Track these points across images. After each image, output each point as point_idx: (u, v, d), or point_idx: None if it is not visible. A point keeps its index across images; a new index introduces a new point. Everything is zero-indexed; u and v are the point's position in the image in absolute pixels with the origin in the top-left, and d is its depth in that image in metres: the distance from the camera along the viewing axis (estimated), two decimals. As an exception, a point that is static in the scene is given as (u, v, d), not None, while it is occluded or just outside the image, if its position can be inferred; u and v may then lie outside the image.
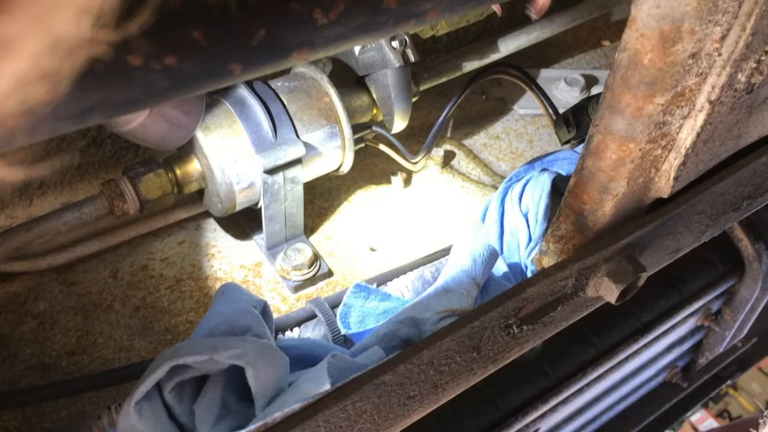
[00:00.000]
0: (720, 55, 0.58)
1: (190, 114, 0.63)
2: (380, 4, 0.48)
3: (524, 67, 1.05)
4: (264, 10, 0.43)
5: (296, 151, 0.84)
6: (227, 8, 0.42)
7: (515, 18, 1.25)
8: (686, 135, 0.64)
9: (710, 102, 0.61)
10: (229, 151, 0.83)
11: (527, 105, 1.24)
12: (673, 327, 1.33)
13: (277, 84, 0.89)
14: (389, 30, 0.50)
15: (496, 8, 0.97)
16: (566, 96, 1.24)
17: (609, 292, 0.70)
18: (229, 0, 0.42)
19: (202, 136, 0.82)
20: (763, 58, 0.61)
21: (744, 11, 0.55)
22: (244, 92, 0.85)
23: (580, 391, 1.15)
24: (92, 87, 0.39)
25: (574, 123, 0.87)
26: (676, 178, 0.68)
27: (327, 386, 0.56)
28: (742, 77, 0.62)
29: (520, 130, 1.21)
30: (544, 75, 1.29)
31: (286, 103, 0.87)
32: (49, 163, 0.78)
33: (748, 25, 0.56)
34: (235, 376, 0.57)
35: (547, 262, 0.74)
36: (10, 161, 0.17)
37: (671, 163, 0.67)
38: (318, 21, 0.46)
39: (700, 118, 0.63)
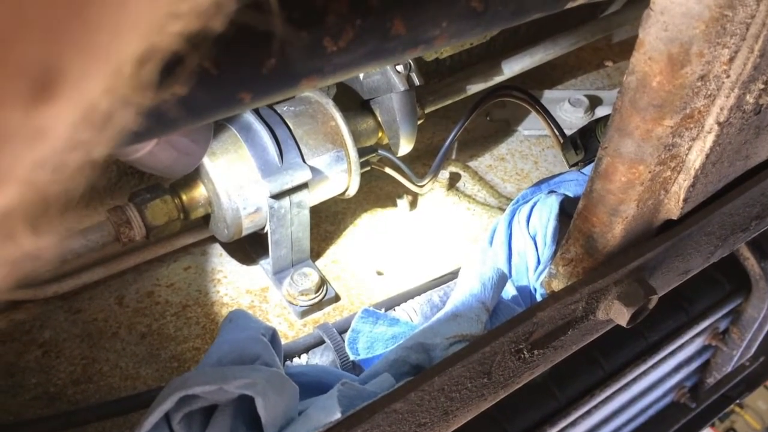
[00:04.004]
0: (728, 77, 0.58)
1: (198, 142, 0.63)
2: (389, 32, 0.48)
3: (528, 89, 1.05)
4: (273, 39, 0.43)
5: (302, 175, 0.84)
6: (237, 37, 0.42)
7: (518, 40, 1.26)
8: (695, 157, 0.64)
9: (719, 123, 0.61)
10: (235, 177, 0.83)
11: (531, 126, 1.24)
12: (681, 347, 1.32)
13: (282, 109, 0.89)
14: (398, 56, 0.50)
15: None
16: (570, 117, 1.24)
17: (620, 315, 0.70)
18: (239, 29, 0.42)
19: (208, 162, 0.82)
20: (770, 79, 0.61)
21: (752, 33, 0.55)
22: (250, 117, 0.85)
23: (589, 413, 1.13)
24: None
25: (582, 145, 0.87)
26: (685, 200, 0.67)
27: (337, 415, 0.55)
28: (750, 99, 0.62)
29: (525, 152, 1.21)
30: (548, 96, 1.29)
31: (292, 127, 0.87)
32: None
33: (755, 47, 0.56)
34: (245, 406, 0.57)
35: (557, 285, 0.73)
36: (44, 234, 0.16)
37: (681, 185, 0.66)
38: (327, 49, 0.45)
39: (709, 139, 0.62)
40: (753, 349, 1.47)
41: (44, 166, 0.15)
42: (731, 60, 0.56)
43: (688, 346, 1.35)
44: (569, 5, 0.58)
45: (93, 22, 0.13)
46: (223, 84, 0.43)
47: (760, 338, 1.44)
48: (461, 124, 1.01)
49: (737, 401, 1.70)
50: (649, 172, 0.62)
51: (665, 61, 0.54)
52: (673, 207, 0.69)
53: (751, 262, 1.31)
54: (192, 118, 0.45)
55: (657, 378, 1.33)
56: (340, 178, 0.91)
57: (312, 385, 0.66)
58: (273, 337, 0.65)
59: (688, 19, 0.51)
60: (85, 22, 0.13)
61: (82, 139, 0.15)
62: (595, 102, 1.27)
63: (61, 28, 0.12)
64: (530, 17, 0.55)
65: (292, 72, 0.45)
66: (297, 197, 0.86)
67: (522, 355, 0.67)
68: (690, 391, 1.52)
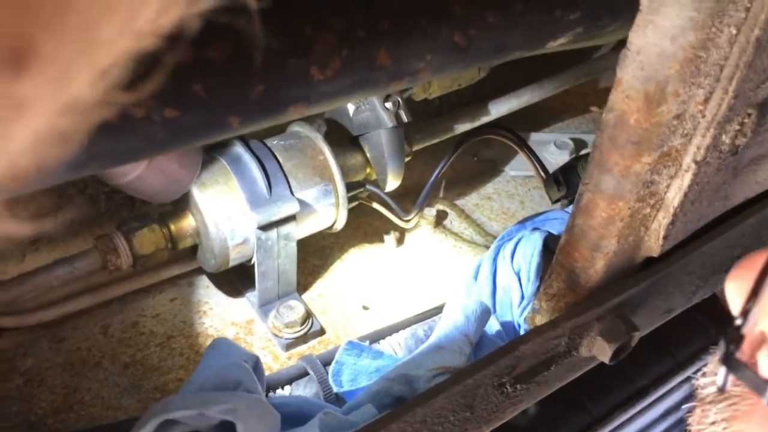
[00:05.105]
0: (704, 116, 0.59)
1: (186, 167, 0.64)
2: (374, 62, 0.49)
3: (515, 131, 1.07)
4: (263, 66, 0.45)
5: (290, 207, 0.85)
6: (227, 63, 0.43)
7: (506, 83, 1.29)
8: (674, 194, 0.65)
9: (696, 162, 0.63)
10: (223, 207, 0.83)
11: (518, 167, 1.26)
12: (669, 392, 1.32)
13: (272, 142, 0.91)
14: (383, 87, 0.52)
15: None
16: (556, 158, 1.26)
17: (602, 351, 0.70)
18: (229, 55, 0.43)
19: (197, 192, 0.83)
20: (745, 120, 0.63)
21: (725, 75, 0.57)
22: (240, 149, 0.86)
23: (576, 456, 1.12)
24: (95, 137, 0.39)
25: (564, 182, 0.89)
26: (665, 237, 0.69)
27: (318, 443, 0.55)
28: (726, 139, 0.63)
29: (511, 191, 1.23)
30: (534, 138, 1.32)
31: (281, 160, 0.88)
32: (54, 218, 0.78)
33: (730, 89, 0.58)
34: (225, 432, 0.57)
35: (540, 320, 0.74)
36: (19, 216, 0.17)
37: (660, 222, 0.68)
38: (315, 77, 0.47)
39: (687, 178, 0.64)
40: (740, 395, 1.46)
41: (21, 144, 0.16)
42: (706, 100, 0.58)
43: (676, 391, 1.34)
44: (550, 45, 0.60)
45: (67, 3, 0.14)
46: (213, 108, 0.44)
47: (747, 385, 1.43)
48: (446, 160, 1.02)
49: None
50: (629, 208, 0.63)
51: (642, 99, 0.56)
52: (654, 244, 0.70)
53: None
54: (181, 141, 0.46)
55: (645, 424, 1.32)
56: (328, 211, 0.92)
57: (294, 416, 0.66)
58: (256, 364, 0.65)
59: (663, 59, 0.53)
60: (59, 2, 0.14)
61: (57, 124, 0.16)
62: (580, 145, 1.30)
63: (36, 3, 0.13)
64: (512, 55, 0.57)
65: (280, 98, 0.47)
66: (284, 229, 0.87)
67: (505, 390, 0.67)
68: (678, 438, 1.51)
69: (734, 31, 0.54)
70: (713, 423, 0.43)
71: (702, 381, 0.47)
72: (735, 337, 0.41)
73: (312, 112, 0.52)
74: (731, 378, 0.41)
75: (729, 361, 0.41)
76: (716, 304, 1.30)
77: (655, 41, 0.53)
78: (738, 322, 0.41)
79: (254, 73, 0.45)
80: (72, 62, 0.15)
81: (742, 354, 0.41)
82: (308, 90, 0.48)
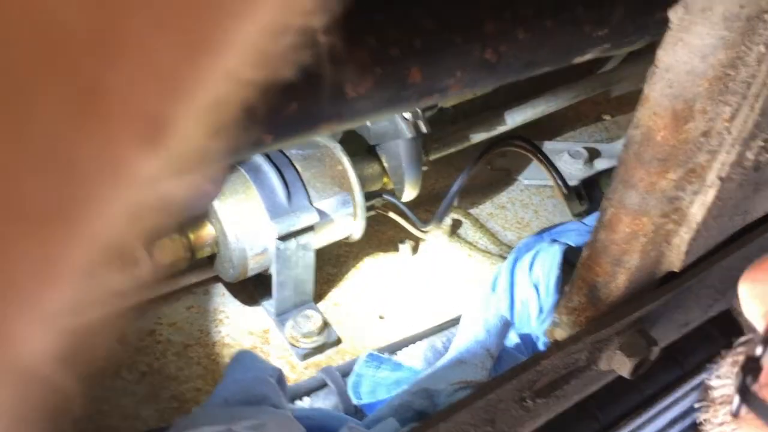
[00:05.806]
0: (730, 133, 0.59)
1: (213, 181, 0.65)
2: (406, 80, 0.49)
3: (533, 142, 1.07)
4: (297, 84, 0.45)
5: (310, 217, 0.85)
6: (261, 81, 0.43)
7: (519, 92, 1.29)
8: (697, 210, 0.65)
9: (720, 179, 0.63)
10: (243, 217, 0.84)
11: (532, 176, 1.26)
12: (676, 401, 1.32)
13: (291, 152, 0.91)
14: (414, 103, 0.52)
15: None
16: (570, 168, 1.26)
17: (622, 365, 0.70)
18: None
19: (217, 202, 0.83)
20: (770, 136, 0.63)
21: (752, 92, 0.57)
22: (259, 159, 0.86)
23: (587, 467, 1.12)
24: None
25: (586, 196, 0.89)
26: (687, 252, 0.69)
27: (343, 458, 0.55)
28: (750, 155, 0.63)
29: (526, 201, 1.23)
30: (548, 147, 1.31)
31: (300, 170, 0.88)
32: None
33: (756, 106, 0.58)
34: (250, 446, 0.56)
35: (560, 334, 0.74)
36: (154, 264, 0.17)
37: (683, 238, 0.68)
38: (348, 95, 0.47)
39: (711, 194, 0.64)
40: (748, 405, 1.46)
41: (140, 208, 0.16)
42: (733, 117, 0.58)
43: (684, 400, 1.34)
44: (577, 60, 0.60)
45: (197, 75, 0.14)
46: (248, 125, 0.44)
47: (755, 394, 1.43)
48: (467, 171, 1.02)
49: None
50: (653, 223, 0.63)
51: (670, 116, 0.56)
52: (675, 259, 0.70)
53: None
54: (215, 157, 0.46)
55: (653, 433, 1.32)
56: (346, 221, 0.92)
57: (317, 429, 0.66)
58: (279, 378, 0.65)
59: (692, 77, 0.53)
60: (193, 75, 0.14)
61: (162, 189, 0.16)
62: (593, 154, 1.30)
63: (176, 81, 0.13)
64: (541, 70, 0.57)
65: (313, 115, 0.47)
66: (303, 239, 0.87)
67: (526, 404, 0.67)
68: (686, 447, 1.50)
69: (763, 50, 0.54)
70: (722, 423, 0.43)
71: (714, 383, 0.48)
72: (753, 367, 0.42)
73: (343, 128, 0.52)
74: (744, 407, 0.41)
75: (744, 393, 0.41)
76: (727, 315, 1.30)
77: (684, 59, 0.53)
78: (758, 351, 0.42)
79: (288, 90, 0.45)
80: (190, 129, 0.15)
81: (759, 386, 0.41)
82: (341, 107, 0.48)
